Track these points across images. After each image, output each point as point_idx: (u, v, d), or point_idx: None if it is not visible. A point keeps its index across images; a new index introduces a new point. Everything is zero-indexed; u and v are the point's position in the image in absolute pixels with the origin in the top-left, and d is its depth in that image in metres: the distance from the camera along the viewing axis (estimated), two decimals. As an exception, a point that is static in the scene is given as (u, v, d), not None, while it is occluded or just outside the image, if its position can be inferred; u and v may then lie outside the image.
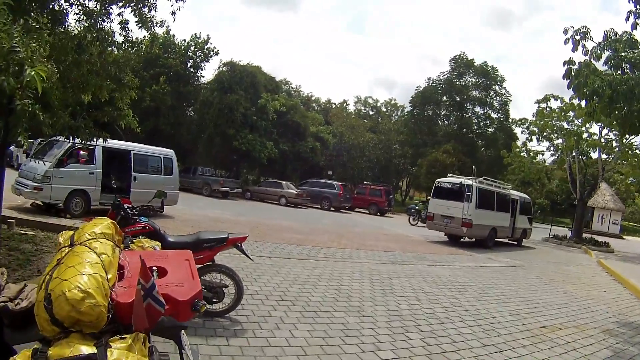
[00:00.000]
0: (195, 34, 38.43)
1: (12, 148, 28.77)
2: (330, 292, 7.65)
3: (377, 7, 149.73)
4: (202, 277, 5.19)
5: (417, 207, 26.65)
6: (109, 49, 7.36)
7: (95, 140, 7.79)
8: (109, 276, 2.40)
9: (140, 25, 7.38)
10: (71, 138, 7.41)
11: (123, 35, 7.49)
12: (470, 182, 17.84)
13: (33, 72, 2.89)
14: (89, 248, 2.49)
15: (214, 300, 5.38)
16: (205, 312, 5.25)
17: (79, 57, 6.76)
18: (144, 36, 7.64)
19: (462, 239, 18.89)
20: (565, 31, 8.52)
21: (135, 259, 2.71)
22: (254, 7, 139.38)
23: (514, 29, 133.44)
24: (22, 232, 8.68)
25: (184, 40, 38.45)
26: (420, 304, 7.65)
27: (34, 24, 3.48)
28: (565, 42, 8.49)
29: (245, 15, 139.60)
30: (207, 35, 38.06)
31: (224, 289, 5.46)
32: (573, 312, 8.59)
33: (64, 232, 2.92)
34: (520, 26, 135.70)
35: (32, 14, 3.53)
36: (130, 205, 5.55)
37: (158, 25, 7.65)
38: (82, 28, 6.87)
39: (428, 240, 18.73)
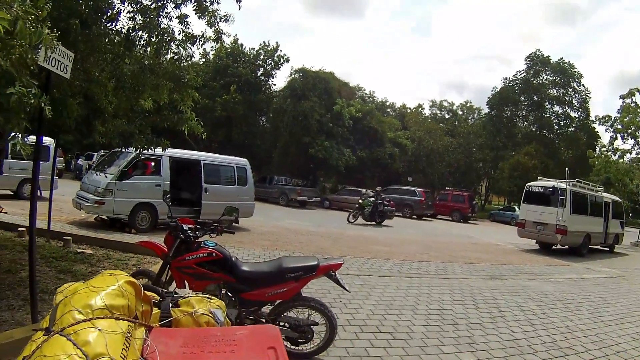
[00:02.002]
0: (264, 42, 38.38)
1: (80, 161, 29.52)
2: (433, 318, 6.66)
3: (439, 9, 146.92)
4: (285, 314, 4.50)
5: (360, 202, 22.36)
6: (167, 47, 6.39)
7: (153, 148, 6.86)
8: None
9: (199, 14, 6.43)
10: (124, 147, 6.49)
11: (183, 32, 6.50)
12: (563, 185, 16.88)
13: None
14: (74, 344, 1.33)
15: (300, 340, 4.51)
16: (289, 354, 4.21)
17: (129, 53, 5.90)
18: (204, 31, 6.57)
19: (553, 247, 17.96)
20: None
21: (174, 349, 1.54)
22: (319, 16, 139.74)
23: (579, 24, 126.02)
24: (79, 250, 7.99)
25: (253, 48, 38.50)
26: (535, 330, 6.63)
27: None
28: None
29: (311, 24, 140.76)
30: (277, 42, 37.77)
31: (312, 327, 4.51)
32: (696, 330, 7.59)
33: (64, 287, 1.75)
34: (585, 21, 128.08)
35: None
36: (191, 226, 4.49)
37: (222, 20, 6.70)
38: (133, 25, 5.94)
39: (519, 249, 17.76)
